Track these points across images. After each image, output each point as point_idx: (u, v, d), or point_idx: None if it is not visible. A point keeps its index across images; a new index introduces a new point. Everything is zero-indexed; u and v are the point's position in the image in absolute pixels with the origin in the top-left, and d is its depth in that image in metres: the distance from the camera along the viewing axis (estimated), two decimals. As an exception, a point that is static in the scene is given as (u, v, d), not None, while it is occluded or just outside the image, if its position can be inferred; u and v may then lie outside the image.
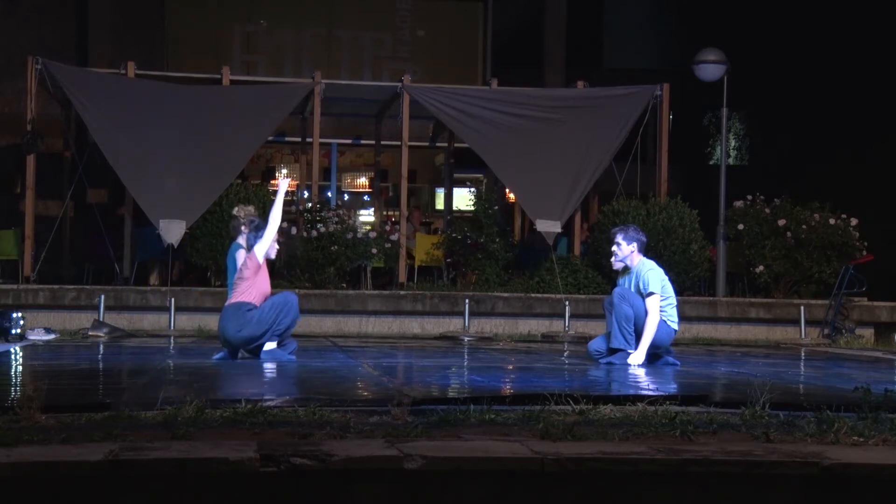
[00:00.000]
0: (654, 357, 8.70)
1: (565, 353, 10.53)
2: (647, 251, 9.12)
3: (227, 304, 8.65)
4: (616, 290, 8.83)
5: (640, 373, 8.03)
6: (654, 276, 8.67)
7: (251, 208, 10.55)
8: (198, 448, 4.17)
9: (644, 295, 8.62)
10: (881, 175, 19.01)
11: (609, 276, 12.08)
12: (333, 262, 13.53)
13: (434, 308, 13.27)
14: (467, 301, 12.95)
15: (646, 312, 8.58)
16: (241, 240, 9.35)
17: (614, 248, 8.88)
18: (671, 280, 9.05)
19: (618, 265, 8.99)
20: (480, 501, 4.12)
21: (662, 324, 8.65)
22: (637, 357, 8.54)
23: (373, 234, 13.97)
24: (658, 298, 8.60)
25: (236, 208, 10.39)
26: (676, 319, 8.85)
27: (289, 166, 20.45)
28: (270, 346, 8.57)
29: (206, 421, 4.81)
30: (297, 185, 16.49)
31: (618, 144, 14.42)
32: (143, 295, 12.98)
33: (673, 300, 8.83)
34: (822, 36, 20.47)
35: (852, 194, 16.24)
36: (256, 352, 8.58)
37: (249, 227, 8.89)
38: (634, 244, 8.78)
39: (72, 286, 13.12)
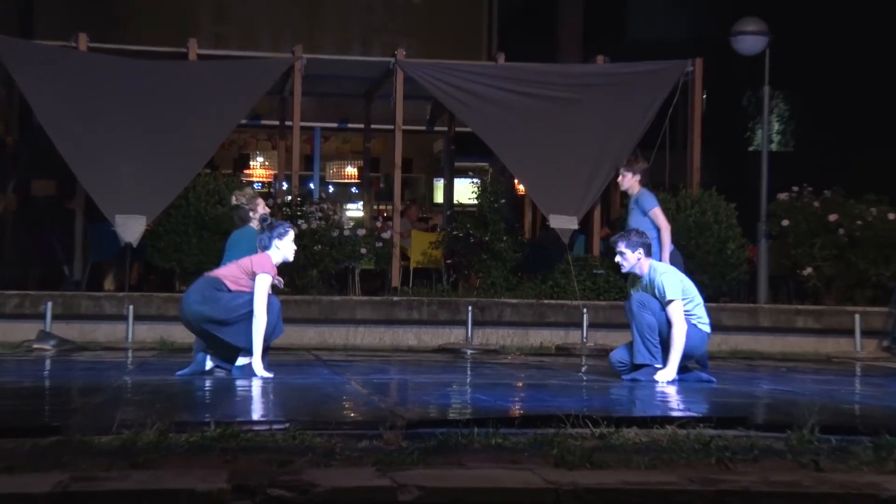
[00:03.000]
0: (684, 370, 8.69)
1: (583, 369, 10.55)
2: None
3: (204, 274, 8.67)
4: (635, 296, 8.83)
5: (670, 391, 8.03)
6: (669, 279, 8.68)
7: (249, 190, 10.50)
8: (160, 478, 4.17)
9: (664, 303, 8.62)
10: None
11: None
12: (316, 263, 13.53)
13: (432, 316, 13.26)
14: (470, 308, 12.95)
15: (669, 322, 8.58)
16: (254, 224, 9.42)
17: (618, 258, 8.89)
18: (703, 285, 9.08)
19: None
20: (486, 539, 4.12)
21: (692, 328, 8.65)
22: (667, 374, 8.54)
23: (362, 232, 13.97)
24: (680, 305, 8.61)
25: (234, 196, 10.15)
26: (707, 321, 8.85)
27: (265, 153, 20.47)
28: (243, 360, 8.58)
29: (169, 447, 4.82)
30: (275, 176, 16.51)
31: (643, 128, 14.43)
32: (96, 302, 12.97)
33: (697, 298, 8.82)
34: (878, 1, 20.47)
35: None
36: (230, 357, 8.56)
37: (262, 226, 8.90)
38: (640, 249, 8.80)
39: (13, 291, 13.10)
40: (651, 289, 8.72)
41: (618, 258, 8.89)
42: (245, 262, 8.61)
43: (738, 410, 6.54)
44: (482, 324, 13.17)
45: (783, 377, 9.84)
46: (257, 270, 8.47)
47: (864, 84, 20.66)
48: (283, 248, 8.70)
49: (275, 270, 8.61)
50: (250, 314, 8.46)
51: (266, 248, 8.70)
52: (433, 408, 6.76)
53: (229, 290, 8.47)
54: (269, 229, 8.76)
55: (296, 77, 14.41)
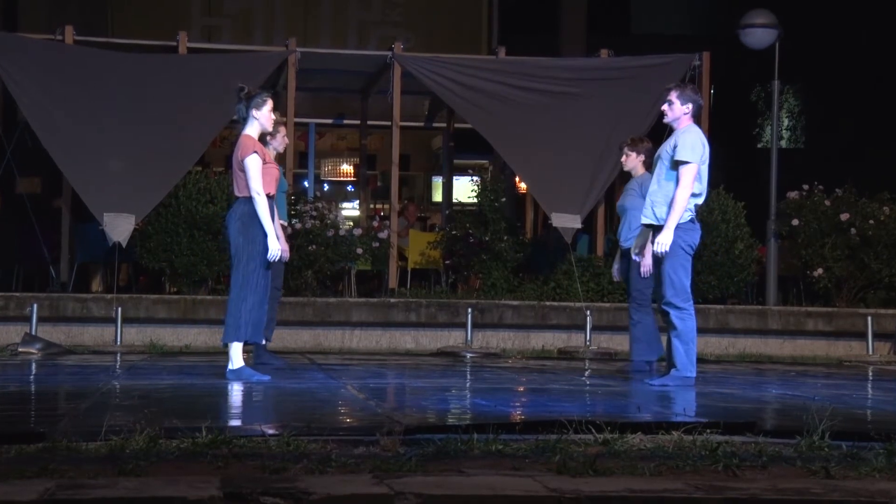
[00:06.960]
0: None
1: (586, 372, 10.55)
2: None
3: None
4: (672, 312, 8.51)
5: (675, 396, 8.04)
6: (690, 139, 8.45)
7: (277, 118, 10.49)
8: (150, 485, 4.17)
9: (675, 160, 8.45)
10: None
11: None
12: (311, 264, 13.54)
13: (431, 319, 13.27)
14: (470, 310, 12.96)
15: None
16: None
17: (664, 106, 8.66)
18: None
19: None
20: (486, 548, 4.12)
21: (690, 320, 8.54)
22: (666, 236, 8.41)
23: (358, 232, 13.98)
24: (693, 169, 8.39)
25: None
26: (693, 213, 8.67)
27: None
28: (237, 362, 8.55)
29: (159, 453, 4.82)
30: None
31: (649, 124, 14.40)
32: (83, 304, 12.97)
33: (700, 187, 8.63)
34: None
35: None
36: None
37: (240, 96, 8.67)
38: (690, 105, 8.59)
39: (-1, 293, 13.13)
40: (671, 147, 8.53)
41: (664, 106, 8.68)
42: (235, 157, 8.53)
43: (747, 416, 6.54)
44: (482, 326, 13.18)
45: (793, 381, 9.84)
46: (243, 157, 8.44)
47: (877, 78, 20.66)
48: (261, 118, 8.61)
49: (260, 146, 8.55)
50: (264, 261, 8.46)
51: (245, 119, 8.62)
52: (431, 413, 6.76)
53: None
54: (247, 99, 8.62)
55: (290, 71, 14.41)
